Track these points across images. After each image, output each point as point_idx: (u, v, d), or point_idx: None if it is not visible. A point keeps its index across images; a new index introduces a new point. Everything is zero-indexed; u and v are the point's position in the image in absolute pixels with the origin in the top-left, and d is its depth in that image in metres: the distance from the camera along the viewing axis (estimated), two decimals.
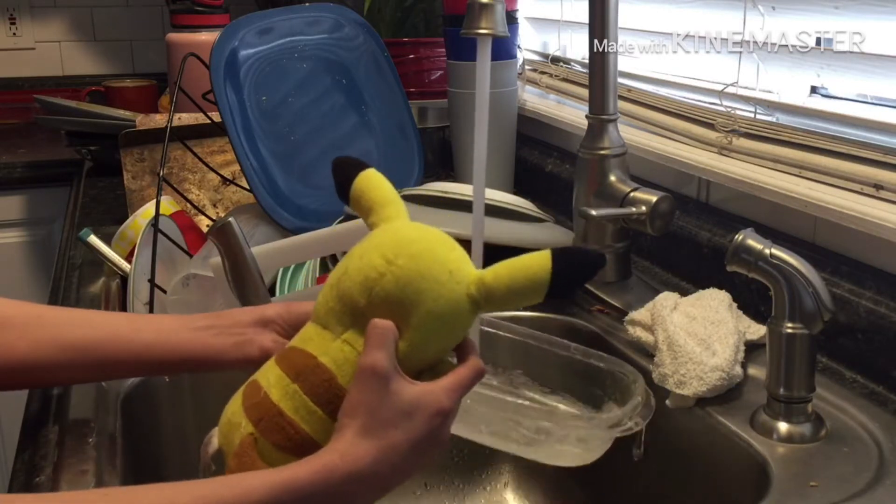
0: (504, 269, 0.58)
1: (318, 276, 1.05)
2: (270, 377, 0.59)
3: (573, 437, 0.72)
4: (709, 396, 0.78)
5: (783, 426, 0.73)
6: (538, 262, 0.57)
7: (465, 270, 0.58)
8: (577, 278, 0.58)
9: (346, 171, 0.64)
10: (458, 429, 0.72)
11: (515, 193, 1.23)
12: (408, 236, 0.59)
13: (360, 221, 0.99)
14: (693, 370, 0.77)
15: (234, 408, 0.59)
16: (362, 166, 0.64)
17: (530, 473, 1.00)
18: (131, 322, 0.72)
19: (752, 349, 0.84)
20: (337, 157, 0.65)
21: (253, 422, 0.57)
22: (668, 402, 0.79)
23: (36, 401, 0.82)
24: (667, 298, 0.86)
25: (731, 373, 0.78)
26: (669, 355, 0.80)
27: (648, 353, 0.86)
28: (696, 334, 0.80)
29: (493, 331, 0.85)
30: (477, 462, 1.00)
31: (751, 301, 0.88)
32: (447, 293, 0.57)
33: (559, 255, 0.57)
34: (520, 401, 0.76)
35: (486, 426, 0.74)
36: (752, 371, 0.82)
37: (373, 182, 0.64)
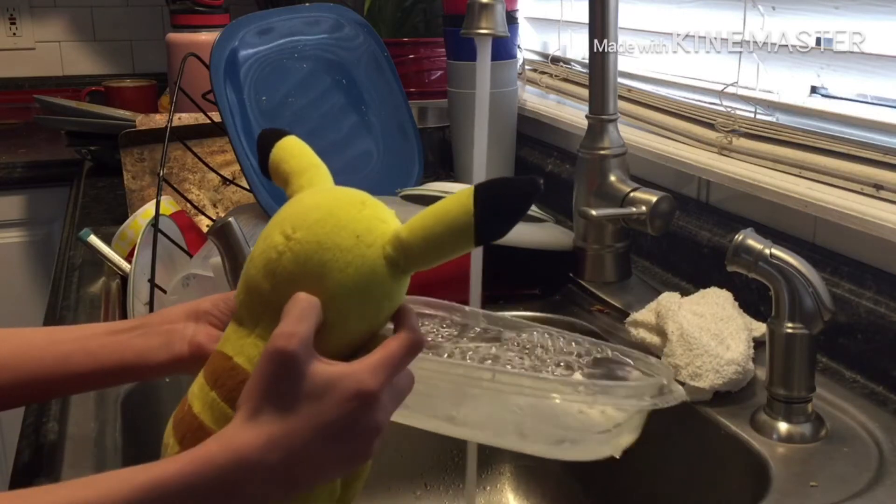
0: (420, 220, 0.52)
1: None
2: (195, 387, 0.54)
3: (609, 420, 0.64)
4: (724, 390, 0.78)
5: (783, 426, 0.73)
6: (458, 204, 0.50)
7: (378, 230, 0.52)
8: (506, 216, 0.51)
9: (264, 143, 0.59)
10: (475, 435, 0.66)
11: None
12: (309, 204, 0.53)
13: None
14: (709, 363, 0.77)
15: (168, 426, 0.55)
16: (281, 135, 0.59)
17: (530, 473, 1.00)
18: (50, 334, 0.63)
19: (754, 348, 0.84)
20: (262, 130, 0.60)
21: (178, 439, 0.53)
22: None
23: None
24: (670, 298, 0.86)
25: (745, 367, 0.77)
26: (682, 346, 0.79)
27: (651, 353, 0.86)
28: (709, 329, 0.80)
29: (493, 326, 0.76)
30: (477, 462, 1.00)
31: (751, 301, 0.88)
32: (356, 259, 0.51)
33: (482, 191, 0.50)
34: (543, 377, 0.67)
35: (495, 422, 0.66)
36: None
37: (289, 150, 0.58)
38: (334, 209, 0.52)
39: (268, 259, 0.52)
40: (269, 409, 0.48)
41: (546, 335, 0.73)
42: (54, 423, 0.78)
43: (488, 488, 1.00)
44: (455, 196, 0.51)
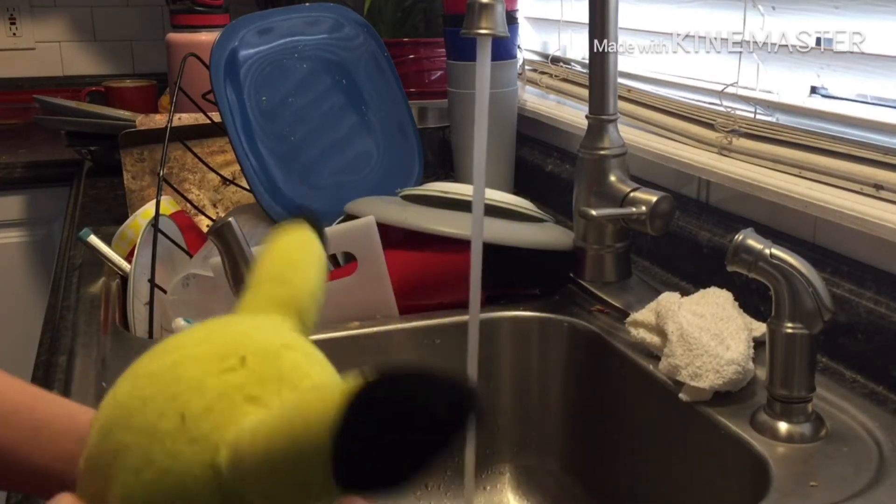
0: (273, 417, 0.30)
1: None
2: None
3: None
4: (724, 390, 0.78)
5: (783, 426, 0.73)
6: (320, 409, 0.28)
7: (229, 415, 0.31)
8: (393, 448, 0.27)
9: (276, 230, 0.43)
10: None
11: (515, 193, 1.23)
12: (171, 344, 0.35)
13: (360, 221, 1.00)
14: (709, 363, 0.77)
15: None
16: (297, 220, 0.43)
17: (530, 473, 1.00)
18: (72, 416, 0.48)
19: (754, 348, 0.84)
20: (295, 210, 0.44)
21: None
22: (681, 395, 0.79)
23: None
24: (670, 298, 0.86)
25: (745, 367, 0.77)
26: (682, 346, 0.79)
27: (651, 354, 0.86)
28: (709, 329, 0.80)
29: None
30: (477, 462, 1.00)
31: (751, 301, 0.88)
32: (161, 457, 0.31)
33: (364, 394, 0.27)
34: None
35: None
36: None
37: (271, 252, 0.41)
38: (184, 361, 0.32)
39: (93, 418, 0.35)
40: None
41: None
42: None
43: (488, 488, 1.00)
44: (322, 390, 0.29)
